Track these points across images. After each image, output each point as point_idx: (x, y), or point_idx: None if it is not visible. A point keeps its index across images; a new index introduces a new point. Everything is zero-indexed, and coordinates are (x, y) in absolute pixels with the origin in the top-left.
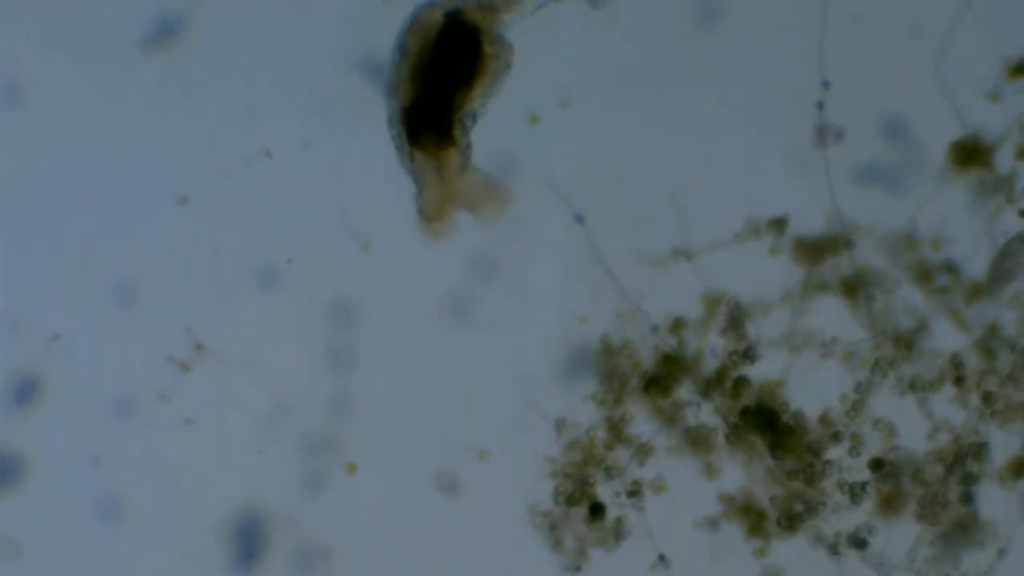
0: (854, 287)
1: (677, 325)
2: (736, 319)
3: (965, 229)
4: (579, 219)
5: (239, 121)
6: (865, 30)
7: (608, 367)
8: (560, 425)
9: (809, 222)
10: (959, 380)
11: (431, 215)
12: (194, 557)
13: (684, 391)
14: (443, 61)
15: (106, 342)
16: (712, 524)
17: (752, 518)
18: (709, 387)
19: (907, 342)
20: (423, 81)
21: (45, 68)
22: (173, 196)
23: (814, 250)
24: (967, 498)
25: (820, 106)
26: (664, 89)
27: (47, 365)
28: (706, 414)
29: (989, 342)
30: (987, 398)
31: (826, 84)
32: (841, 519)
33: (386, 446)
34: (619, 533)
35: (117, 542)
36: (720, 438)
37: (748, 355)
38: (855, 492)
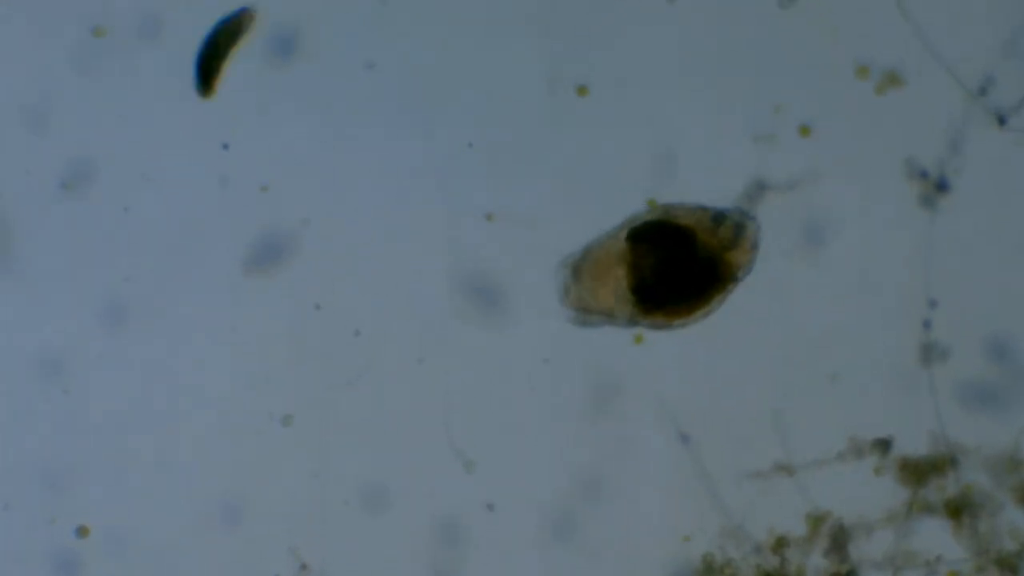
0: (958, 508)
1: (779, 544)
2: (839, 539)
3: None
4: (684, 438)
5: (343, 342)
6: (971, 250)
7: None
8: None
9: (914, 442)
10: None
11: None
12: None
13: None
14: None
15: (211, 562)
16: None
17: None
18: None
19: (1011, 565)
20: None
21: (150, 291)
22: (277, 416)
23: (918, 471)
24: None
25: (926, 325)
26: (768, 312)
27: None
28: None
29: None
30: None
31: (932, 303)
32: None
33: None
34: None
35: None
36: None
37: None
38: None
